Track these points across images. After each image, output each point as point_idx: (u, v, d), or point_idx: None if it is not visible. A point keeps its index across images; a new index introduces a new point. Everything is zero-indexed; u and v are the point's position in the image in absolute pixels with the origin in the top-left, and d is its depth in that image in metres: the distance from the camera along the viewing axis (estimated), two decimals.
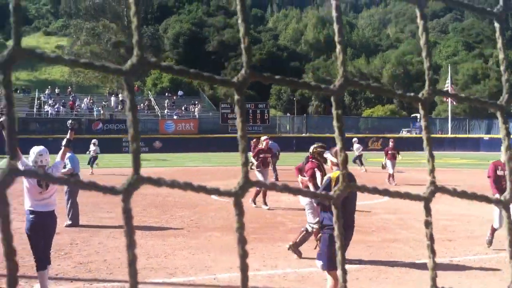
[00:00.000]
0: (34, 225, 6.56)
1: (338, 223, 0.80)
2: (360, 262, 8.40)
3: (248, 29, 0.76)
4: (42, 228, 6.60)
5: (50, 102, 55.46)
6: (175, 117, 55.19)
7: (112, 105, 57.98)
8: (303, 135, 53.91)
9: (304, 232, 8.65)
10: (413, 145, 46.84)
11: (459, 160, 36.24)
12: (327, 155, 6.60)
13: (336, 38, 0.78)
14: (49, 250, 6.82)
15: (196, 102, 61.36)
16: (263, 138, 16.01)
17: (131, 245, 0.67)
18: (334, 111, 0.77)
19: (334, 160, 6.36)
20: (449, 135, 55.67)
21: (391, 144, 21.27)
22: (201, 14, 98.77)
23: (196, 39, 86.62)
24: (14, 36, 0.64)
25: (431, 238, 0.84)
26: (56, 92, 60.48)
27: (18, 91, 59.45)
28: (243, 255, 0.72)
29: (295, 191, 0.79)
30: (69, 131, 7.30)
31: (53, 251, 8.08)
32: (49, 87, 62.22)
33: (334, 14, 0.77)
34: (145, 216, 12.82)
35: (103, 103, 57.71)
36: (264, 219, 12.17)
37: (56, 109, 53.08)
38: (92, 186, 0.67)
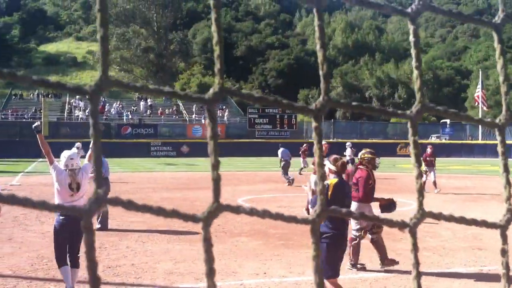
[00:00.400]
0: (62, 225, 6.69)
1: (415, 251, 0.77)
2: (387, 270, 8.30)
3: (325, 56, 0.75)
4: (70, 229, 6.71)
5: (80, 106, 56.31)
6: (202, 121, 55.48)
7: (141, 110, 58.61)
8: (330, 140, 53.66)
9: (353, 243, 8.37)
10: (443, 151, 46.21)
11: (489, 167, 35.62)
12: (326, 162, 6.49)
13: (414, 63, 0.77)
14: (78, 253, 6.91)
15: (224, 107, 61.61)
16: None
17: (210, 273, 0.68)
18: (314, 134, 0.76)
19: (333, 168, 6.34)
20: (480, 141, 54.78)
21: (429, 150, 20.40)
22: (229, 19, 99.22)
23: (224, 44, 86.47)
24: (102, 66, 0.66)
25: (506, 267, 0.81)
26: (87, 97, 61.45)
27: (49, 96, 60.52)
28: (319, 284, 0.71)
29: (372, 219, 0.78)
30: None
31: (82, 254, 8.19)
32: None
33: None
34: (172, 220, 12.80)
35: (132, 108, 58.38)
36: (291, 225, 12.12)
37: (86, 114, 53.85)
38: (174, 214, 0.68)
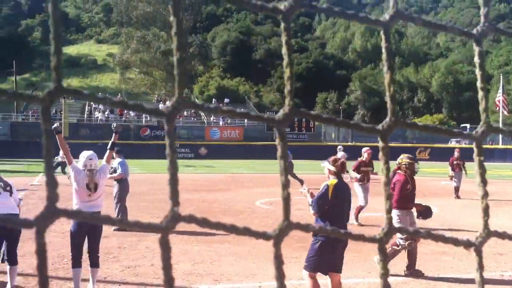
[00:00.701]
0: (79, 226, 6.78)
1: (480, 270, 0.78)
2: (407, 274, 8.27)
3: (392, 78, 0.76)
4: (87, 229, 6.81)
5: (100, 108, 56.84)
6: (220, 124, 55.66)
7: None
8: (349, 143, 53.43)
9: (394, 247, 8.26)
10: (462, 156, 45.76)
11: (510, 172, 35.20)
12: (325, 163, 6.43)
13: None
14: (98, 253, 6.99)
15: (242, 109, 61.57)
16: (364, 149, 14.15)
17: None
18: (381, 154, 0.77)
19: (332, 168, 6.28)
20: (500, 146, 54.15)
21: (456, 154, 19.78)
22: (249, 22, 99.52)
23: (244, 47, 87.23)
24: (178, 89, 0.70)
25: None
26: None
27: (70, 97, 61.16)
28: None
29: (439, 238, 0.80)
30: (114, 134, 7.48)
31: (101, 254, 8.28)
32: (100, 94, 63.83)
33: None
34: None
35: None
36: None
37: (105, 115, 54.37)
38: (246, 231, 0.71)
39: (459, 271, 8.53)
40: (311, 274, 6.12)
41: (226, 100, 64.41)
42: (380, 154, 0.75)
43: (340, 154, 25.79)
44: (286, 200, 0.70)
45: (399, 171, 8.76)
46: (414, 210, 8.82)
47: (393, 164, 11.52)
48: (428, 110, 76.23)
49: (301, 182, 21.71)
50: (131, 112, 57.31)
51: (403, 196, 8.46)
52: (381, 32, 0.77)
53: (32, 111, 54.85)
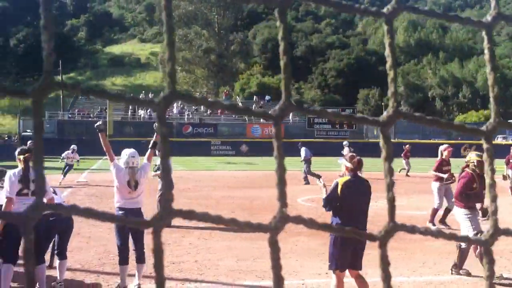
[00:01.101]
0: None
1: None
2: (454, 273, 8.11)
3: (495, 79, 0.74)
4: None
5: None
6: (261, 121, 55.74)
7: (201, 109, 59.45)
8: (392, 140, 52.68)
9: (459, 248, 8.13)
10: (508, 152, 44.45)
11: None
12: (342, 160, 6.40)
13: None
14: (143, 249, 7.09)
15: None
16: (442, 147, 12.94)
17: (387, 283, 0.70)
18: (485, 155, 0.75)
19: (349, 165, 6.21)
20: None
21: None
22: (289, 19, 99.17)
23: None
24: (285, 93, 0.70)
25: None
26: (150, 96, 62.88)
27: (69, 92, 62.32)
28: None
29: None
30: (155, 134, 7.57)
31: (146, 249, 8.41)
32: (143, 92, 64.77)
33: None
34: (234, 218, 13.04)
35: (193, 107, 59.31)
36: None
37: (148, 113, 55.16)
38: (356, 233, 0.71)
39: (507, 270, 8.31)
40: (338, 273, 6.11)
41: (267, 98, 64.38)
42: (485, 156, 0.73)
43: (346, 150, 25.57)
44: (391, 202, 0.70)
45: (467, 169, 8.60)
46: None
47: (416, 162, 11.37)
48: (474, 105, 74.47)
49: (319, 177, 21.79)
50: (174, 110, 57.98)
51: (468, 194, 8.29)
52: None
53: (77, 110, 56.11)
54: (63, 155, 22.62)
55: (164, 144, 0.67)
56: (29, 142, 15.58)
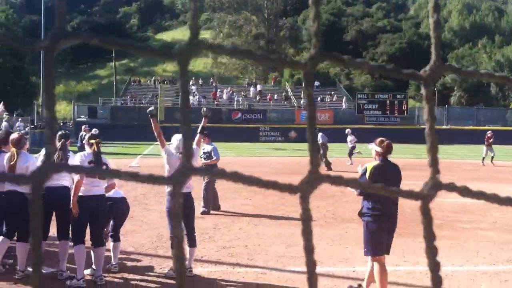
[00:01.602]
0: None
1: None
2: (510, 262, 7.92)
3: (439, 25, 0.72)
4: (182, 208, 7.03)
5: (194, 92, 58.31)
6: None
7: (251, 95, 59.64)
8: (443, 127, 51.51)
9: None
10: None
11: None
12: (371, 145, 6.34)
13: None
14: (194, 233, 7.22)
15: (332, 92, 61.14)
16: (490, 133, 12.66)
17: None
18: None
19: (379, 149, 6.17)
20: (445, 126, 49.90)
21: None
22: (340, 3, 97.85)
23: (334, 29, 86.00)
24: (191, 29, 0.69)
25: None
26: (200, 83, 63.42)
27: (165, 82, 63.25)
28: None
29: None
30: (203, 119, 7.64)
31: (197, 234, 8.56)
32: (193, 78, 65.39)
33: None
34: (283, 204, 13.08)
35: (242, 93, 59.56)
36: (402, 213, 11.86)
37: (197, 99, 55.71)
38: (273, 185, 0.71)
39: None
40: (374, 258, 6.09)
41: (317, 83, 63.93)
42: (424, 103, 0.71)
43: (350, 138, 25.08)
44: (313, 151, 0.69)
45: None
46: None
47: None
48: None
49: (329, 165, 22.12)
50: (223, 96, 58.36)
51: None
52: None
53: (130, 96, 57.20)
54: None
55: (183, 96, 0.67)
56: (83, 126, 16.01)
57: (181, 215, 0.68)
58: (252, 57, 0.71)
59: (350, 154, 25.15)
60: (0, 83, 51.84)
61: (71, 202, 6.53)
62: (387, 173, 6.11)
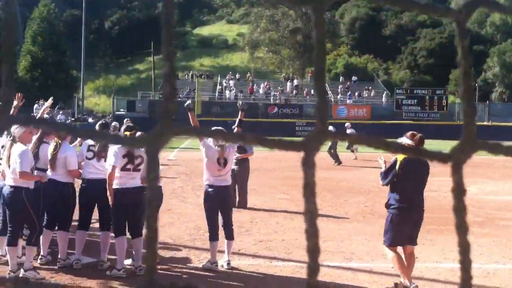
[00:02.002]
0: (211, 197, 7.05)
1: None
2: None
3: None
4: (218, 201, 7.07)
5: (231, 86, 58.51)
6: (347, 102, 54.98)
7: (287, 90, 59.50)
8: (485, 123, 50.35)
9: None
10: None
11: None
12: (403, 138, 6.27)
13: None
14: (231, 226, 7.24)
15: (370, 87, 60.46)
16: None
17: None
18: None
19: (410, 142, 6.13)
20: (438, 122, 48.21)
21: None
22: None
23: (373, 23, 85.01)
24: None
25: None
26: (237, 77, 63.60)
27: (202, 76, 63.65)
28: None
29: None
30: (240, 112, 7.66)
31: (235, 227, 8.59)
32: (230, 72, 65.60)
33: None
34: (320, 199, 13.02)
35: (279, 88, 59.47)
36: (443, 210, 11.67)
37: (234, 94, 55.87)
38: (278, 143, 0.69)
39: None
40: (391, 248, 6.15)
41: (354, 78, 63.33)
42: (457, 40, 0.66)
43: (348, 131, 24.54)
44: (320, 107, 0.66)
45: None
46: None
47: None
48: None
49: (338, 161, 22.16)
50: (260, 91, 58.39)
51: None
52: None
53: None
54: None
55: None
56: (125, 120, 16.16)
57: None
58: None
59: (349, 148, 24.92)
60: (42, 77, 52.98)
61: (108, 191, 6.63)
62: (416, 167, 6.09)
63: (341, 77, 64.35)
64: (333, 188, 15.21)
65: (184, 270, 7.08)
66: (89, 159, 7.12)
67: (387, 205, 6.22)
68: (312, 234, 0.65)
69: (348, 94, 56.62)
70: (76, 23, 71.08)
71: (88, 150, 7.13)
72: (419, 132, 8.45)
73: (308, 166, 0.68)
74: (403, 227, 6.05)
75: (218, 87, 60.62)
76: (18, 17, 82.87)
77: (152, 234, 0.62)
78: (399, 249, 6.23)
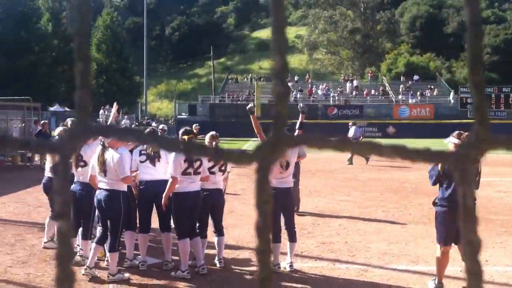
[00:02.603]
0: (274, 199, 7.02)
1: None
2: None
3: None
4: (280, 203, 7.05)
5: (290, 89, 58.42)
6: (409, 101, 53.80)
7: (347, 90, 58.88)
8: None
9: None
10: None
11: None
12: (449, 139, 6.22)
13: None
14: (294, 229, 7.19)
15: (432, 86, 58.96)
16: None
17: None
18: None
19: (457, 141, 6.04)
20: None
21: None
22: None
23: (434, 21, 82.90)
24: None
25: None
26: (295, 79, 63.48)
27: (261, 79, 63.90)
28: None
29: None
30: (301, 115, 7.61)
31: (297, 229, 8.55)
32: (289, 75, 65.43)
33: None
34: (383, 201, 12.81)
35: (338, 89, 58.95)
36: None
37: (294, 96, 55.78)
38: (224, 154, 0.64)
39: None
40: (443, 248, 6.17)
41: (415, 77, 61.92)
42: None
43: (353, 130, 23.37)
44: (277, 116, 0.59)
45: None
46: None
47: None
48: None
49: (350, 160, 21.76)
50: (319, 92, 58.08)
51: None
52: None
53: (228, 93, 58.28)
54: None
55: None
56: (194, 125, 16.26)
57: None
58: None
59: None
60: (107, 84, 54.63)
61: (163, 198, 6.73)
62: None
63: (402, 77, 63.07)
64: (397, 189, 14.91)
65: (247, 271, 7.10)
66: (142, 162, 7.24)
67: (434, 203, 6.30)
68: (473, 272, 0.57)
69: (410, 94, 55.44)
70: (138, 30, 72.99)
71: (140, 154, 7.28)
72: (358, 129, 8.57)
73: (467, 184, 0.56)
74: (451, 224, 6.00)
75: None
76: None
77: (265, 247, 0.59)
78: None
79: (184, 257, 6.80)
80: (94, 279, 6.61)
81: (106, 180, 6.54)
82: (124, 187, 6.65)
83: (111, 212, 6.61)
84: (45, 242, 8.10)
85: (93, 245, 6.77)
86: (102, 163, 6.51)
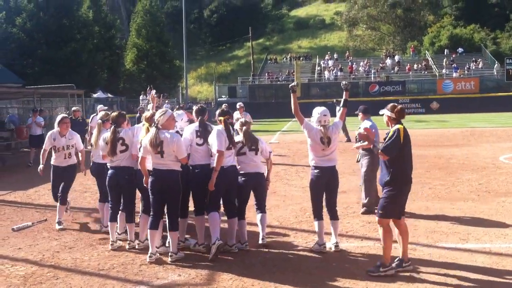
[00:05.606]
0: (317, 178, 6.92)
1: None
2: None
3: None
4: (324, 181, 6.93)
5: (329, 67, 57.72)
6: (454, 75, 52.40)
7: (388, 67, 57.77)
8: None
9: None
10: None
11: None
12: (383, 111, 6.11)
13: None
14: (335, 206, 7.06)
15: (478, 59, 57.19)
16: None
17: None
18: None
19: (391, 115, 6.04)
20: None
21: None
22: None
23: None
24: None
25: None
26: (335, 57, 62.61)
27: (300, 58, 63.32)
28: None
29: None
30: (344, 92, 7.41)
31: (341, 208, 8.41)
32: (328, 53, 64.69)
33: None
34: (429, 178, 12.51)
35: (380, 65, 57.90)
36: None
37: (334, 74, 55.10)
38: None
39: None
40: (384, 221, 6.09)
41: (460, 50, 60.14)
42: None
43: (338, 108, 21.98)
44: None
45: None
46: None
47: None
48: None
49: (348, 138, 21.24)
50: (360, 69, 57.18)
51: None
52: None
53: (267, 74, 57.99)
54: None
55: None
56: (223, 105, 16.21)
57: None
58: None
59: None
60: (148, 68, 55.10)
61: (213, 174, 6.77)
62: (410, 137, 6.08)
63: (445, 50, 61.36)
64: (443, 166, 14.54)
65: (293, 252, 7.02)
66: (200, 145, 7.11)
67: (387, 182, 6.01)
68: None
69: (453, 67, 53.95)
70: (177, 14, 73.14)
71: (197, 136, 7.13)
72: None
73: None
74: (402, 200, 6.11)
75: (317, 68, 60.03)
76: (123, 11, 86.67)
77: None
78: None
79: (214, 229, 6.81)
80: (158, 261, 6.66)
81: (163, 161, 6.56)
82: (179, 167, 6.68)
83: (172, 191, 6.64)
84: (119, 234, 7.72)
85: (149, 231, 6.72)
86: (158, 145, 6.51)
